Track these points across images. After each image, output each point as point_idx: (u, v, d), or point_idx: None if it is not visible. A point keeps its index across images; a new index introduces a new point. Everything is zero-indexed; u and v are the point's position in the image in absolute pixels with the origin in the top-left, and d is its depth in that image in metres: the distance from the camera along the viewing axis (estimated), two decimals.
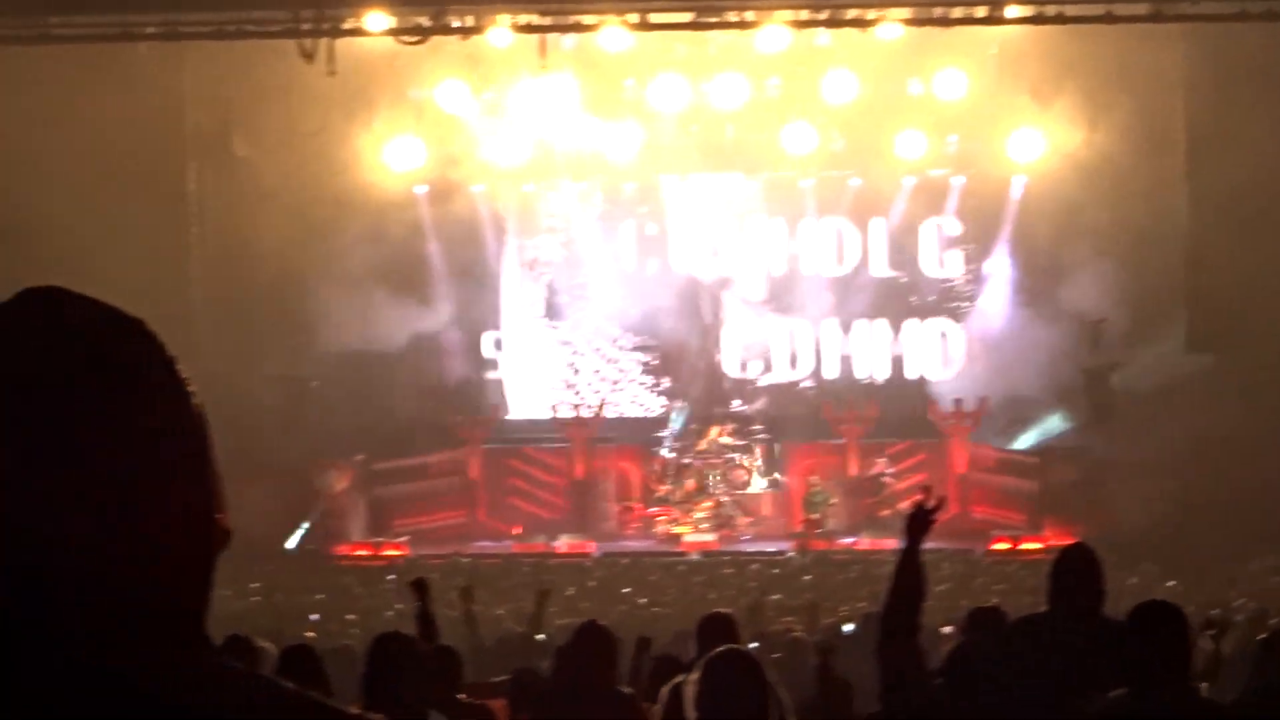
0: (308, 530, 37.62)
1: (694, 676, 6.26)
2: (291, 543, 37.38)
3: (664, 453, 38.98)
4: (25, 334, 1.71)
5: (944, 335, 40.87)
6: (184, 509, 1.77)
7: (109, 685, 1.66)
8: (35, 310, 1.74)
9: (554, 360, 41.57)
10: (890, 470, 38.33)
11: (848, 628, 16.92)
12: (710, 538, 37.13)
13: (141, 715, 1.67)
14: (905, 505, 37.12)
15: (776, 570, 32.14)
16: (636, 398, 41.35)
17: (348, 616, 23.87)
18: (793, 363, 41.25)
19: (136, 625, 1.69)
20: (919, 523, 8.01)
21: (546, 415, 40.41)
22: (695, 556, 35.10)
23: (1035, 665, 7.86)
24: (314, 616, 24.47)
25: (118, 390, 1.71)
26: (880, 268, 41.11)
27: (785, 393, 40.93)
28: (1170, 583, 27.86)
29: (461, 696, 9.54)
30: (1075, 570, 8.33)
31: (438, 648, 9.26)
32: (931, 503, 8.03)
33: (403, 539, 37.30)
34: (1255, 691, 9.29)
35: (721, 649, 6.43)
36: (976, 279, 40.74)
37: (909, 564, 7.96)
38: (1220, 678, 9.55)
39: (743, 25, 33.57)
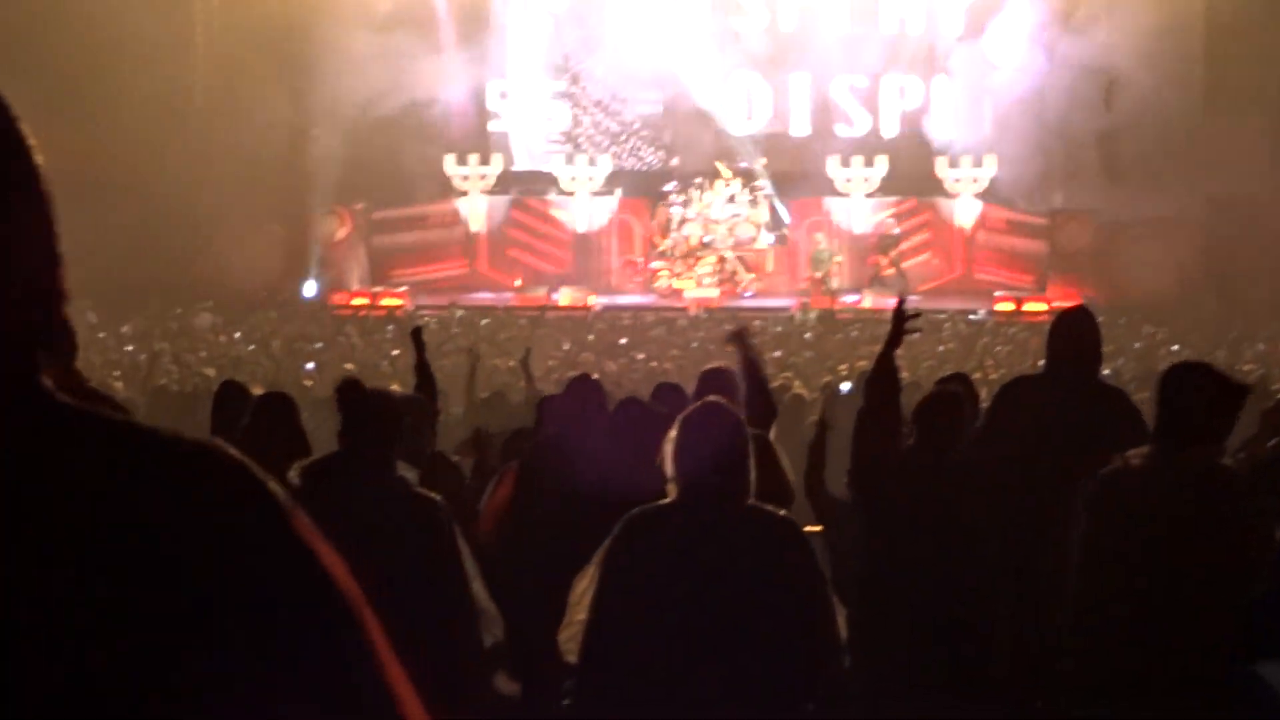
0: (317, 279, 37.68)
1: (672, 433, 6.09)
2: (310, 291, 37.39)
3: (669, 207, 38.67)
4: None
5: (955, 93, 40.21)
6: (18, 247, 1.75)
7: None
8: None
9: (558, 112, 41.08)
10: (896, 229, 38.09)
11: (845, 387, 16.74)
12: (713, 293, 37.01)
13: None
14: (910, 265, 37.26)
15: (779, 327, 32.02)
16: (639, 151, 40.92)
17: (345, 366, 23.78)
18: (802, 117, 40.75)
19: None
20: (895, 327, 7.92)
21: (550, 167, 40.04)
22: (697, 312, 34.97)
23: (1027, 424, 7.76)
24: (310, 365, 24.43)
25: None
26: (890, 24, 40.44)
27: (793, 148, 40.49)
28: (1174, 347, 27.76)
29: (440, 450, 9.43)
30: (1073, 333, 8.18)
31: (408, 398, 9.02)
32: (910, 312, 7.95)
33: (402, 289, 37.20)
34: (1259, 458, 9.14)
35: (698, 404, 6.30)
36: (990, 37, 39.99)
37: (883, 364, 7.89)
38: None
39: None
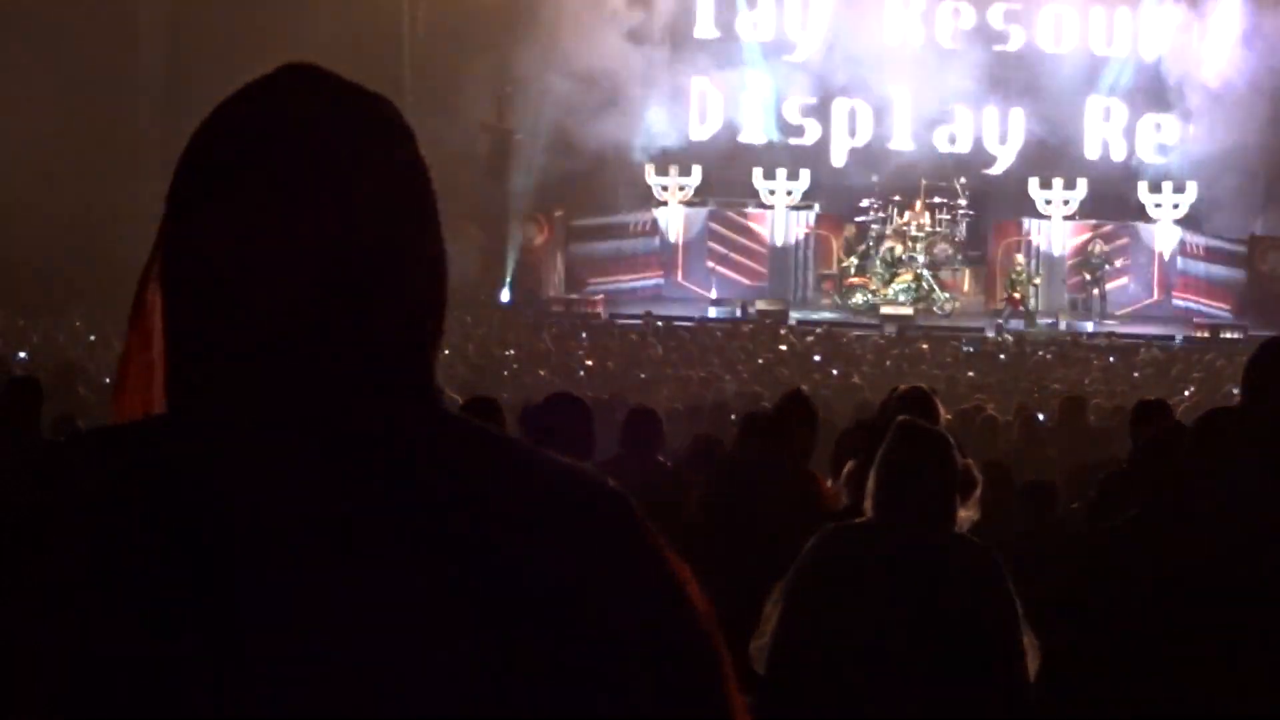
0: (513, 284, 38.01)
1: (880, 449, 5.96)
2: (505, 297, 37.78)
3: (867, 224, 38.60)
4: (291, 99, 1.85)
5: (1158, 117, 39.70)
6: (419, 263, 1.86)
7: (350, 436, 1.75)
8: (299, 80, 1.89)
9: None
10: (1096, 252, 37.79)
11: (1040, 417, 16.69)
12: (908, 311, 36.87)
13: (379, 467, 1.75)
14: (1110, 285, 36.88)
15: (973, 348, 31.90)
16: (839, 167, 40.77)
17: (539, 372, 24.07)
18: (1000, 139, 40.41)
19: (380, 371, 1.79)
20: None
21: (750, 180, 39.94)
22: (892, 329, 34.90)
23: (1222, 459, 7.63)
24: (505, 372, 24.72)
25: (375, 153, 1.89)
26: (1098, 45, 39.95)
27: (990, 169, 40.22)
28: None
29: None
30: (1272, 364, 8.09)
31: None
32: None
33: (597, 296, 37.47)
34: None
35: (902, 421, 5.98)
36: (1194, 61, 39.41)
37: None
38: None
39: None
